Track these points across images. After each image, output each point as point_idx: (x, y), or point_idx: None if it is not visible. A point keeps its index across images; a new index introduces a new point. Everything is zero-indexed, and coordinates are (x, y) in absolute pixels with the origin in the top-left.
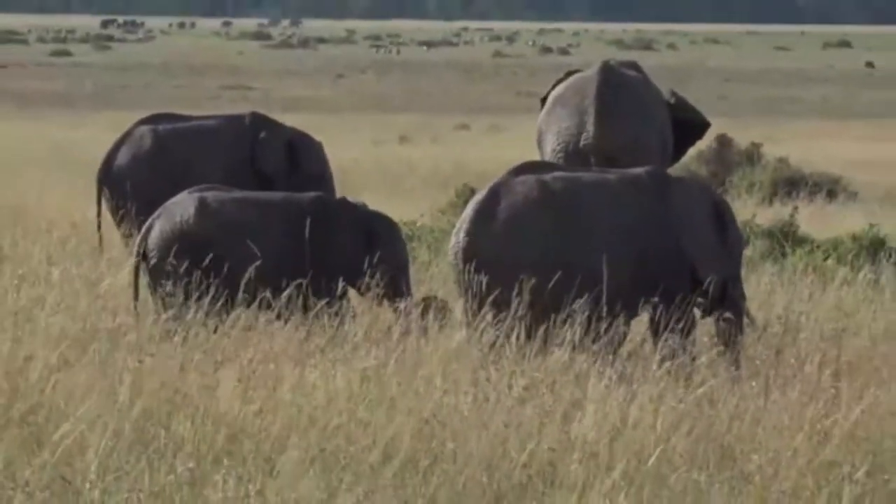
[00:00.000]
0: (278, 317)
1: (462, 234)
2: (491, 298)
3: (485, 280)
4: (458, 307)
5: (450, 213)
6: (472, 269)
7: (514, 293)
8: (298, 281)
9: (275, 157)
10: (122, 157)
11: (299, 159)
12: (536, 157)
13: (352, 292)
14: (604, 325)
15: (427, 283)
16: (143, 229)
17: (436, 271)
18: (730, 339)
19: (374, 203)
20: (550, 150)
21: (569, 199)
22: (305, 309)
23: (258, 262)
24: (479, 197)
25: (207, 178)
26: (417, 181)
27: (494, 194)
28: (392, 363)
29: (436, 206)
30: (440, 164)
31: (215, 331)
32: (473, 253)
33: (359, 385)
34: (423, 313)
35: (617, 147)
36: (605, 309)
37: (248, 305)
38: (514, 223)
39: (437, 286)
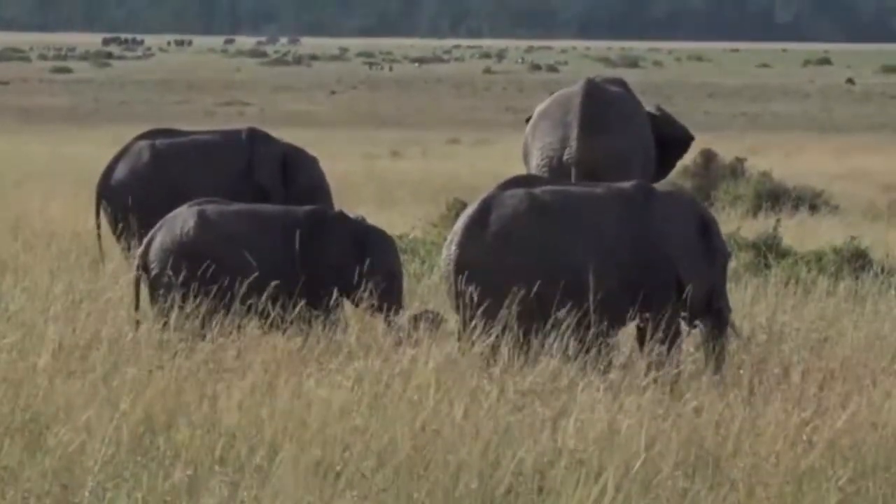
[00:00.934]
0: (276, 327)
1: (454, 247)
2: (482, 309)
3: (476, 291)
4: (450, 318)
5: (441, 226)
6: (464, 281)
7: (505, 304)
8: (296, 291)
9: (271, 172)
10: (121, 172)
11: (294, 174)
12: (524, 171)
13: (347, 304)
14: (592, 336)
15: (419, 294)
16: (145, 242)
17: (428, 283)
18: (714, 349)
19: (367, 216)
20: (535, 165)
21: (557, 212)
22: (302, 319)
23: (257, 274)
24: (470, 210)
25: (205, 191)
26: (409, 194)
27: (485, 207)
28: (386, 372)
29: (427, 219)
30: (431, 177)
31: (213, 341)
32: (465, 264)
33: (354, 394)
34: (416, 324)
35: (599, 161)
36: (593, 319)
37: (247, 316)
38: (504, 235)
39: (430, 298)
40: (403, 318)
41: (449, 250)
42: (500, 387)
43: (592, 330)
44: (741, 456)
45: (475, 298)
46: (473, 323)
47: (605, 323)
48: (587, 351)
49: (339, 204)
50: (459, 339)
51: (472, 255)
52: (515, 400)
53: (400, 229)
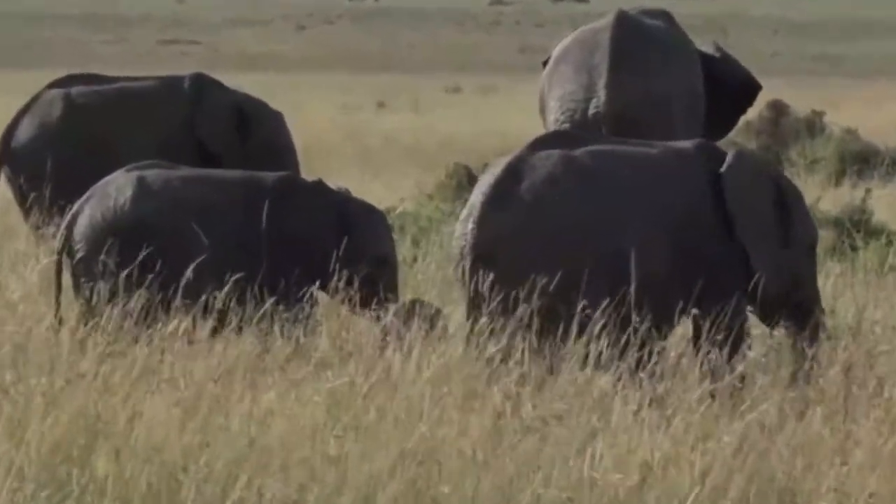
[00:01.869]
0: (230, 325)
1: (471, 225)
2: (504, 303)
3: (499, 280)
4: (452, 314)
5: (438, 198)
6: (483, 268)
7: (536, 299)
8: (259, 280)
9: (221, 130)
10: (27, 130)
11: (252, 132)
12: (542, 126)
13: (322, 297)
14: (639, 335)
15: (411, 284)
16: (68, 217)
17: (422, 270)
18: (796, 354)
19: (344, 185)
20: (553, 120)
21: (603, 180)
22: (264, 315)
23: (211, 258)
24: (491, 178)
25: (136, 154)
26: (397, 157)
27: (511, 174)
28: (369, 384)
29: (421, 189)
30: (426, 135)
31: (150, 343)
32: (485, 247)
33: (327, 411)
34: (408, 322)
35: (635, 115)
36: (638, 314)
37: (196, 311)
38: (536, 210)
39: (425, 288)
40: (395, 313)
41: (464, 229)
42: (516, 402)
43: (638, 328)
44: (823, 491)
45: (497, 291)
46: (494, 322)
47: (654, 319)
48: (634, 357)
49: (307, 170)
50: (469, 341)
51: (496, 235)
52: (535, 419)
53: (386, 202)
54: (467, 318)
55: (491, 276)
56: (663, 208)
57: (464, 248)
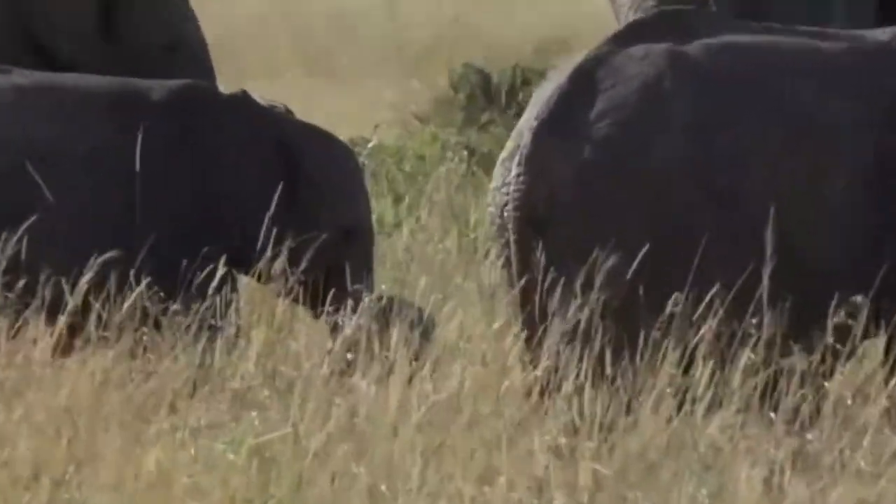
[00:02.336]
0: (85, 329)
1: (516, 169)
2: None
3: (561, 256)
4: (457, 318)
5: (438, 121)
6: (541, 237)
7: (609, 283)
8: (140, 256)
9: (77, 12)
10: None
11: (125, 16)
12: (608, 8)
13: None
14: (775, 348)
15: (391, 261)
16: None
17: (408, 241)
18: None
19: (282, 101)
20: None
21: (739, 91)
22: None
23: (58, 219)
24: (552, 92)
25: None
26: (369, 57)
27: (583, 85)
28: (325, 433)
29: (408, 109)
30: (413, 19)
31: None
32: (544, 203)
33: (249, 479)
34: (383, 327)
35: None
36: (783, 312)
37: (32, 307)
38: (624, 142)
39: (412, 271)
40: (360, 314)
41: (507, 174)
42: (568, 462)
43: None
44: None
45: (563, 270)
46: (541, 322)
47: (801, 320)
48: (764, 384)
49: (223, 77)
50: (526, 350)
51: (562, 181)
52: (599, 492)
53: (351, 129)
54: (518, 321)
55: (549, 247)
56: (839, 137)
57: (505, 205)
